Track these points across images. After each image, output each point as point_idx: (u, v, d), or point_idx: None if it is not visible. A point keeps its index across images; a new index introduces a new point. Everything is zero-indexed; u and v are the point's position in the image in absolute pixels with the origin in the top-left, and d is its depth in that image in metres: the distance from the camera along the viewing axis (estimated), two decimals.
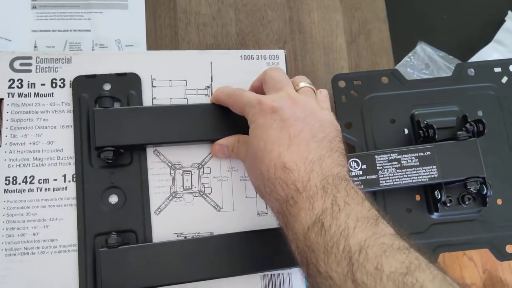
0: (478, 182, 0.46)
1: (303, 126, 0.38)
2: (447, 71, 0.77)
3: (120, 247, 0.41)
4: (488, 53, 0.83)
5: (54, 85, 0.45)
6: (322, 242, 0.32)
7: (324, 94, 0.44)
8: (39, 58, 0.45)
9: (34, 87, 0.45)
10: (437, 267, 0.30)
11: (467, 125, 0.47)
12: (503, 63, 0.54)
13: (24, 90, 0.44)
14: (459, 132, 0.47)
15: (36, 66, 0.45)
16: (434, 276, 0.29)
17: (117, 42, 0.53)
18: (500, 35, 0.84)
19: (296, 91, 0.42)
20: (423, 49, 0.80)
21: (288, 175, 0.36)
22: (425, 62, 0.80)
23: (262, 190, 0.38)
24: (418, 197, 0.49)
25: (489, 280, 0.75)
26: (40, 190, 0.43)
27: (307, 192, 0.35)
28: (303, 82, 0.43)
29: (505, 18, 0.84)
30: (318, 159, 0.36)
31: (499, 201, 0.49)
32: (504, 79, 0.53)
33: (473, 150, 0.46)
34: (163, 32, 0.54)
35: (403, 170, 0.46)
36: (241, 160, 0.44)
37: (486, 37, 0.83)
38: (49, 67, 0.45)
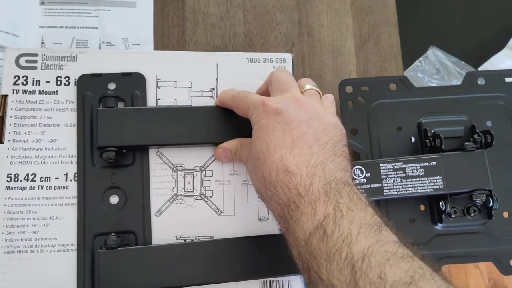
0: (484, 195, 0.45)
1: (307, 128, 0.37)
2: (458, 77, 0.76)
3: (119, 248, 0.41)
4: (500, 59, 0.82)
5: (59, 82, 0.45)
6: (324, 249, 0.32)
7: (330, 99, 0.43)
8: (44, 55, 0.45)
9: (39, 84, 0.45)
10: (441, 277, 0.30)
11: (475, 136, 0.46)
12: None
13: (29, 87, 0.44)
14: (466, 143, 0.46)
15: (42, 63, 0.45)
16: (439, 286, 0.29)
17: (124, 40, 0.52)
18: None
19: (302, 93, 0.41)
20: (434, 54, 0.79)
21: (290, 178, 0.35)
22: (436, 67, 0.79)
23: (263, 193, 0.38)
24: (422, 207, 0.48)
25: None
26: (41, 188, 0.43)
27: (309, 197, 0.34)
28: (309, 85, 0.43)
29: None
30: (321, 163, 0.36)
31: (505, 214, 0.48)
32: None
33: (480, 162, 0.45)
34: (171, 31, 0.54)
35: (407, 180, 0.45)
36: (244, 163, 0.43)
37: (499, 44, 0.82)
38: (54, 64, 0.45)
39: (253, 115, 0.40)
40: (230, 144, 0.44)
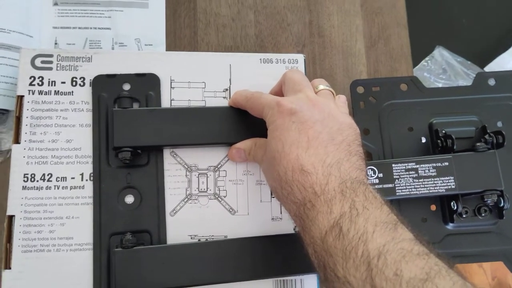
0: (496, 195, 0.45)
1: (321, 128, 0.38)
2: (464, 77, 0.76)
3: (134, 247, 0.41)
4: (506, 59, 0.82)
5: (74, 83, 0.45)
6: (340, 247, 0.32)
7: (342, 100, 0.44)
8: (60, 56, 0.45)
9: (55, 85, 0.45)
10: (457, 273, 0.30)
11: (486, 136, 0.47)
12: None
13: (45, 87, 0.45)
14: (478, 144, 0.46)
15: (57, 64, 0.45)
16: (454, 283, 0.29)
17: (136, 41, 0.53)
18: None
19: (315, 93, 0.41)
20: (440, 54, 0.80)
21: (306, 178, 0.36)
22: (442, 67, 0.79)
23: (279, 193, 0.38)
24: (433, 207, 0.49)
25: (499, 287, 0.74)
26: (58, 188, 0.43)
27: (325, 196, 0.34)
28: (322, 85, 0.43)
29: None
30: (337, 162, 0.36)
31: None
32: None
33: (492, 162, 0.46)
34: (183, 32, 0.54)
35: (420, 180, 0.45)
36: (258, 163, 0.44)
37: (505, 43, 0.83)
38: (69, 65, 0.45)
39: (268, 116, 0.40)
40: (244, 145, 0.45)
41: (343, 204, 0.34)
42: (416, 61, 0.79)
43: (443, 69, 0.80)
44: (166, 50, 0.53)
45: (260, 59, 0.49)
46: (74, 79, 0.45)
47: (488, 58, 0.82)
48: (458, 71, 0.79)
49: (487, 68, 0.81)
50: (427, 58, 0.80)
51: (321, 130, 0.37)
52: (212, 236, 0.45)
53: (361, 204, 0.33)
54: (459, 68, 0.79)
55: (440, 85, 0.78)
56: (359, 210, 0.33)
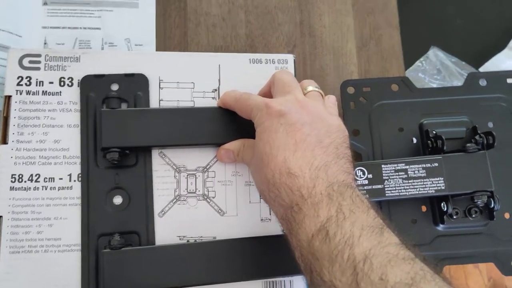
0: (486, 196, 0.45)
1: (309, 131, 0.37)
2: (458, 77, 0.76)
3: (123, 248, 0.41)
4: (501, 59, 0.82)
5: (62, 83, 0.45)
6: (326, 250, 0.32)
7: (332, 101, 0.44)
8: (48, 56, 0.45)
9: (42, 85, 0.45)
10: (443, 278, 0.30)
11: (477, 137, 0.47)
12: None
13: (32, 88, 0.44)
14: (468, 144, 0.46)
15: (45, 64, 0.45)
16: None
17: (126, 41, 0.52)
18: None
19: (304, 95, 0.41)
20: (435, 54, 0.79)
21: (293, 181, 0.35)
22: (437, 67, 0.79)
23: (267, 195, 0.38)
24: (424, 208, 0.48)
25: None
26: (46, 189, 0.43)
27: (312, 199, 0.34)
28: (311, 86, 0.43)
29: None
30: (324, 165, 0.36)
31: (506, 215, 0.49)
32: None
33: (482, 163, 0.46)
34: (173, 32, 0.54)
35: (409, 181, 0.45)
36: (247, 164, 0.44)
37: (500, 44, 0.82)
38: (57, 65, 0.45)
39: (256, 117, 0.40)
40: (233, 145, 0.44)
41: (330, 208, 0.34)
42: (411, 62, 0.79)
43: (438, 70, 0.79)
44: (156, 50, 0.53)
45: (250, 59, 0.49)
46: (62, 79, 0.45)
47: (483, 58, 0.82)
48: (452, 72, 0.79)
49: (482, 69, 0.81)
50: (421, 59, 0.80)
51: (309, 133, 0.37)
52: (201, 237, 0.45)
53: (348, 208, 0.33)
54: (453, 69, 0.79)
55: (434, 86, 0.78)
56: (346, 214, 0.33)
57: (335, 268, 0.31)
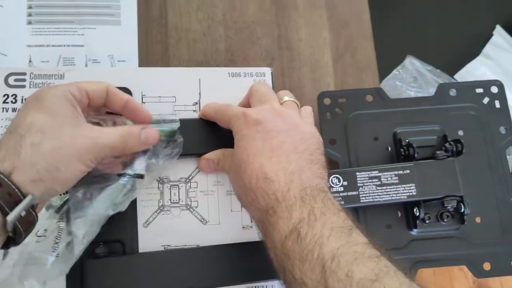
0: (455, 201, 0.47)
1: (285, 138, 0.39)
2: (434, 85, 0.78)
3: (107, 257, 0.43)
4: (476, 66, 0.85)
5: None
6: (298, 250, 0.34)
7: (308, 111, 0.46)
8: (33, 74, 0.47)
9: None
10: (405, 275, 0.32)
11: (447, 145, 0.49)
12: (485, 84, 0.55)
13: (18, 105, 0.46)
14: (438, 152, 0.48)
15: (30, 81, 0.47)
16: (401, 283, 0.31)
17: (109, 57, 0.54)
18: (488, 49, 0.85)
19: (281, 104, 0.43)
20: (411, 63, 0.82)
21: (269, 185, 0.37)
22: (413, 75, 0.82)
23: (244, 200, 0.40)
24: (399, 214, 0.50)
25: None
26: None
27: (286, 202, 0.36)
28: (287, 96, 0.45)
29: (493, 32, 0.86)
30: (298, 170, 0.38)
31: (477, 219, 0.51)
32: (486, 100, 0.54)
33: (451, 169, 0.48)
34: (154, 48, 0.56)
35: (383, 188, 0.47)
36: (226, 172, 0.45)
37: (474, 51, 0.85)
38: (42, 82, 0.47)
39: (235, 126, 0.42)
40: (213, 155, 0.46)
41: (303, 210, 0.36)
42: (388, 71, 0.82)
43: (414, 78, 0.82)
44: (139, 66, 0.55)
45: (229, 73, 0.51)
46: None
47: (458, 66, 0.85)
48: (428, 80, 0.82)
49: (457, 76, 0.84)
50: (398, 67, 0.82)
51: (285, 140, 0.39)
52: (185, 245, 0.46)
53: (319, 210, 0.35)
54: (429, 77, 0.82)
55: (412, 93, 0.80)
56: (317, 216, 0.35)
57: (306, 267, 0.33)
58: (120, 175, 0.42)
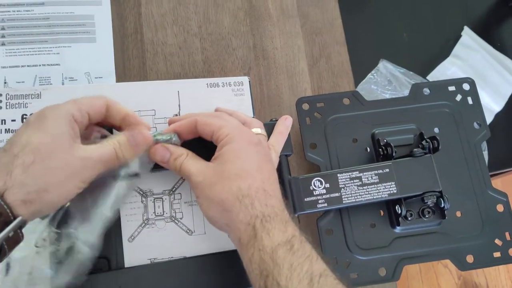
0: (435, 196, 0.48)
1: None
2: (408, 87, 0.80)
3: (92, 274, 0.42)
4: (447, 67, 0.87)
5: (24, 120, 0.46)
6: (288, 260, 0.37)
7: (287, 125, 0.50)
8: (8, 94, 0.46)
9: (5, 124, 0.46)
10: None
11: (423, 142, 0.50)
12: (457, 82, 0.56)
13: None
14: (415, 149, 0.49)
15: (6, 102, 0.46)
16: None
17: (86, 74, 0.54)
18: (457, 49, 0.88)
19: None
20: (385, 67, 0.84)
21: (269, 198, 0.41)
22: (388, 78, 0.84)
23: (231, 204, 0.40)
24: (382, 212, 0.51)
25: (464, 285, 0.76)
26: None
27: (282, 217, 0.40)
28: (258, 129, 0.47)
29: (462, 33, 0.89)
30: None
31: (458, 214, 0.52)
32: (458, 97, 0.56)
33: (429, 165, 0.49)
34: (131, 63, 0.56)
35: (364, 187, 0.48)
36: (187, 175, 0.42)
37: (444, 52, 0.88)
38: (19, 103, 0.46)
39: (229, 136, 0.42)
40: (173, 148, 0.43)
41: (295, 229, 0.40)
42: (363, 75, 0.84)
43: (389, 81, 0.84)
44: (116, 82, 0.55)
45: (207, 83, 0.51)
46: (25, 116, 0.46)
47: (429, 67, 0.87)
48: (402, 82, 0.84)
49: (429, 77, 0.86)
50: (373, 72, 0.84)
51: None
52: (172, 257, 0.46)
53: (304, 236, 0.40)
54: (403, 79, 0.84)
55: (387, 96, 0.82)
56: (305, 238, 0.40)
57: (294, 276, 0.36)
58: (116, 176, 0.42)
